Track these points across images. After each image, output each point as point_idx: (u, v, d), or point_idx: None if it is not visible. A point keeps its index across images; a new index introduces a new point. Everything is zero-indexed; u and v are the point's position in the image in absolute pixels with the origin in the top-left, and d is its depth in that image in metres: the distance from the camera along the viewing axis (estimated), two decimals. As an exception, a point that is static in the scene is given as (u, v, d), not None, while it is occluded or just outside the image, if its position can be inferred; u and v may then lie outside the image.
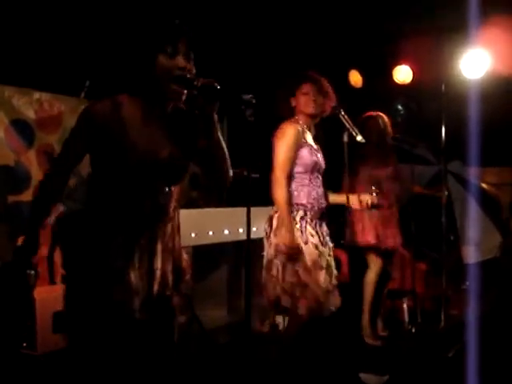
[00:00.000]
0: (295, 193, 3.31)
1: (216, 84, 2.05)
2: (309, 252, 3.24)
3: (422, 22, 4.98)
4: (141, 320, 2.14)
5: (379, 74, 5.89)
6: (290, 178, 3.28)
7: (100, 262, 2.10)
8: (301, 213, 3.28)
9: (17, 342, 3.70)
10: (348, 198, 3.60)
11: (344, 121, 3.41)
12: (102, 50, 4.39)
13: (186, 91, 2.09)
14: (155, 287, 2.18)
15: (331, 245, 3.41)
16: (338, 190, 3.88)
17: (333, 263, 3.37)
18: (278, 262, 3.25)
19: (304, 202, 3.30)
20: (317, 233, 3.31)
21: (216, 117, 2.15)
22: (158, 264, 2.19)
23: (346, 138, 3.42)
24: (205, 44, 2.35)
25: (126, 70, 2.21)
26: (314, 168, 3.34)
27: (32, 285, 3.52)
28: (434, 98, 5.22)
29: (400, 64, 5.87)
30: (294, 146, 3.27)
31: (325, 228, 3.42)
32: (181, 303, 2.36)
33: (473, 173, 6.20)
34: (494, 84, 5.27)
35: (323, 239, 3.35)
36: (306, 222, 3.29)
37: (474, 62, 5.25)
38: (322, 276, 3.24)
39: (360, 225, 4.48)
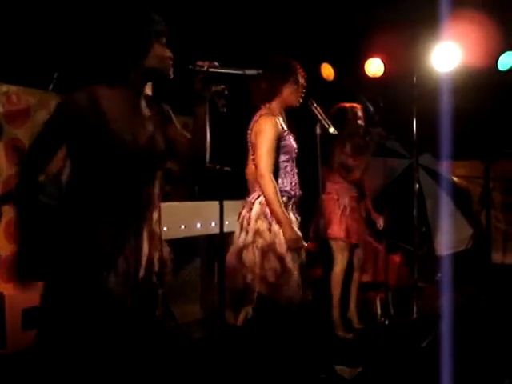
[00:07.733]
0: (279, 180, 3.22)
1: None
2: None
3: (394, 15, 4.99)
4: (130, 307, 2.13)
5: (351, 67, 5.90)
6: (275, 170, 3.18)
7: (91, 250, 2.09)
8: (284, 199, 3.20)
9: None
10: None
11: (316, 113, 3.41)
12: (71, 42, 4.32)
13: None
14: (141, 273, 2.17)
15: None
16: (311, 181, 3.85)
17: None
18: (255, 249, 3.13)
19: (287, 188, 3.24)
20: (296, 220, 3.26)
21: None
22: (145, 249, 2.19)
23: (318, 130, 3.42)
24: (175, 34, 2.33)
25: (104, 60, 2.20)
26: (294, 155, 3.31)
27: None
28: (406, 91, 5.24)
29: (371, 57, 5.89)
30: (275, 140, 3.18)
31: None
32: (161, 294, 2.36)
33: (444, 166, 6.26)
34: (465, 77, 5.32)
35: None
36: (288, 208, 3.22)
37: (445, 55, 5.30)
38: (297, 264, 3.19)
39: (328, 217, 4.45)
